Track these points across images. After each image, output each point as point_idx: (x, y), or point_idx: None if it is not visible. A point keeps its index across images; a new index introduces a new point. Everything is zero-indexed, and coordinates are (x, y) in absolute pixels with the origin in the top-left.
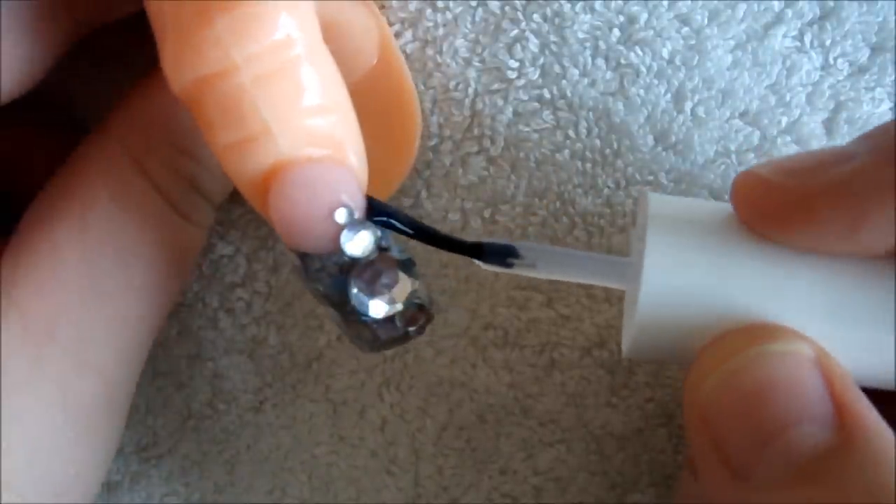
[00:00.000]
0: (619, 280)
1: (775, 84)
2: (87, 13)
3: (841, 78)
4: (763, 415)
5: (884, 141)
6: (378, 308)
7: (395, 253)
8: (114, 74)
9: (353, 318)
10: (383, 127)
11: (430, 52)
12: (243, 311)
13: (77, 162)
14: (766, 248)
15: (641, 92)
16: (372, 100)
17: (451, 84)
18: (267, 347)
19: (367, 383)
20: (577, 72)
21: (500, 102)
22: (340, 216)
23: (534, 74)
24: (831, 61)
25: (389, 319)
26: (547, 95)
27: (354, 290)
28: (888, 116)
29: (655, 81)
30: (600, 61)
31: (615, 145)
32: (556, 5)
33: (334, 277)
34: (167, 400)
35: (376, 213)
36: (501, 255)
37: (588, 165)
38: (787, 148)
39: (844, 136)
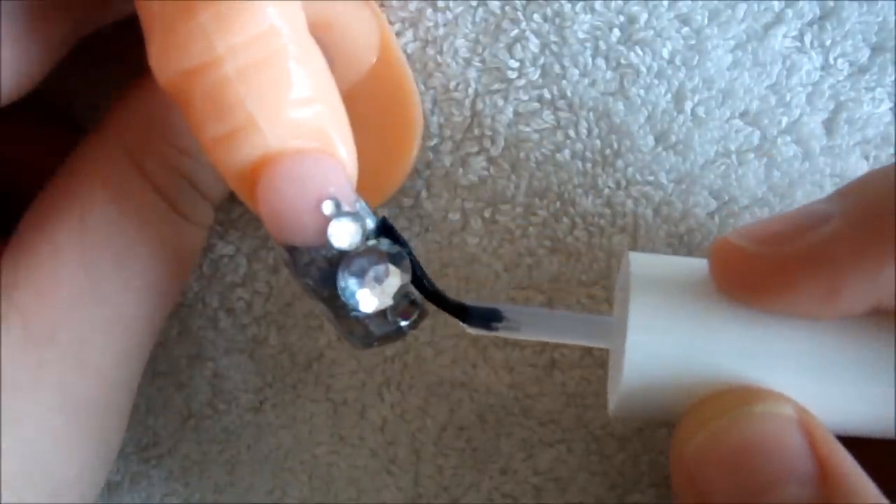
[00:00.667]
0: (603, 340)
1: (775, 84)
2: (86, 14)
3: (841, 78)
4: (748, 473)
5: (858, 201)
6: (368, 301)
7: (384, 246)
8: (113, 75)
9: (343, 312)
10: (384, 127)
11: (430, 52)
12: (244, 310)
13: (76, 162)
14: (747, 310)
15: (641, 92)
16: (372, 100)
17: (452, 84)
18: (267, 347)
19: (367, 383)
20: (577, 72)
21: (501, 102)
22: (327, 208)
23: (534, 74)
24: (831, 61)
25: (381, 314)
26: (547, 95)
27: (343, 284)
28: (888, 116)
29: (655, 81)
30: (600, 61)
31: (615, 145)
32: (556, 5)
33: (323, 271)
34: (167, 400)
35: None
36: (485, 318)
37: (588, 165)
38: (786, 148)
39: (844, 136)
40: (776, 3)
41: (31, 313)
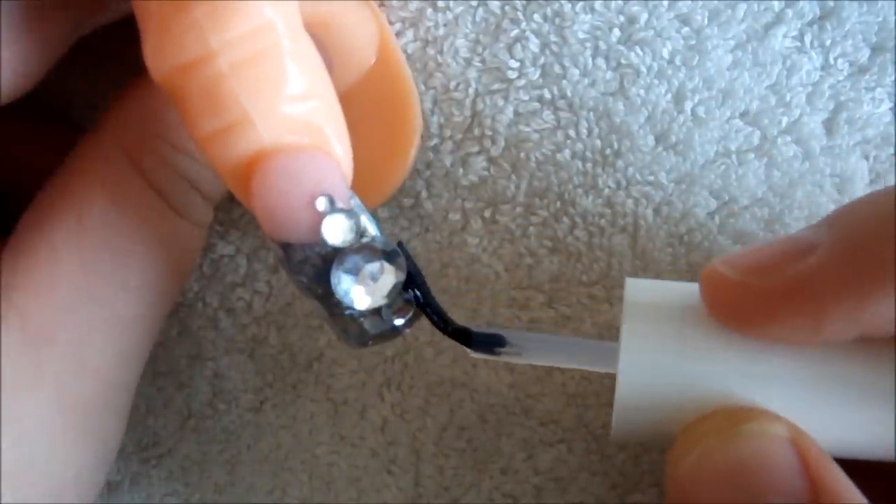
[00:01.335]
0: (605, 364)
1: (775, 84)
2: (84, 14)
3: (841, 78)
4: (740, 491)
5: (843, 231)
6: (362, 299)
7: (379, 243)
8: (112, 75)
9: (338, 311)
10: (383, 127)
11: (430, 52)
12: (244, 310)
13: (74, 162)
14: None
15: (642, 92)
16: (372, 99)
17: (452, 84)
18: (267, 347)
19: (367, 383)
20: (577, 72)
21: (501, 102)
22: (321, 204)
23: (534, 74)
24: (831, 61)
25: (376, 312)
26: (547, 95)
27: (336, 280)
28: (888, 116)
29: (656, 81)
30: (600, 61)
31: (615, 145)
32: (556, 5)
33: (317, 268)
34: (167, 400)
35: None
36: (488, 343)
37: (588, 165)
38: (786, 148)
39: (844, 136)
40: (776, 3)
41: (29, 314)
